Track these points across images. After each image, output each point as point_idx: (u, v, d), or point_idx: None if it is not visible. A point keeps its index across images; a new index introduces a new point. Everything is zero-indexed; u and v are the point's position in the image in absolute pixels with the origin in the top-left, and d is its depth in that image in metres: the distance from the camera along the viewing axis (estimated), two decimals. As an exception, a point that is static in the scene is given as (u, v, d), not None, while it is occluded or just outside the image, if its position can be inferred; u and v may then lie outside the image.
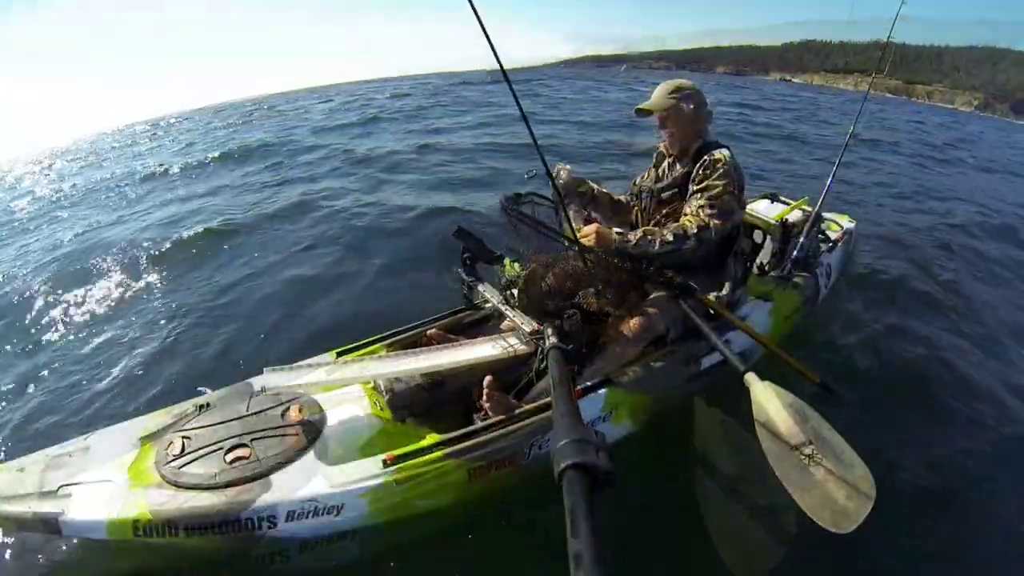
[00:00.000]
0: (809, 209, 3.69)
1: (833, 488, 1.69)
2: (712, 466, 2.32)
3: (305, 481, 1.85)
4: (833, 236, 4.10)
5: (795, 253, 3.47)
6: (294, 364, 2.30)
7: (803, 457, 1.80)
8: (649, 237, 2.32)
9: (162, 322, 3.98)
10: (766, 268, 3.52)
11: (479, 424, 2.09)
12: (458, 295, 2.85)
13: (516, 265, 2.38)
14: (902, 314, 4.30)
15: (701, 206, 2.37)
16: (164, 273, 4.92)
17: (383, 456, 1.91)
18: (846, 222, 4.39)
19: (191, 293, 4.43)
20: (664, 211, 2.56)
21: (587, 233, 2.35)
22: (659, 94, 2.51)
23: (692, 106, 2.49)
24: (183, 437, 2.00)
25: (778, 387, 2.01)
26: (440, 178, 8.21)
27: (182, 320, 3.99)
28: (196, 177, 9.74)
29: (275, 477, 1.85)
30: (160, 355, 3.54)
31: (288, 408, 2.13)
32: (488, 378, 2.13)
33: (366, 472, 1.88)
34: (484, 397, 2.12)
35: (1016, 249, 6.51)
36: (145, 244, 5.76)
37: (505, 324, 2.53)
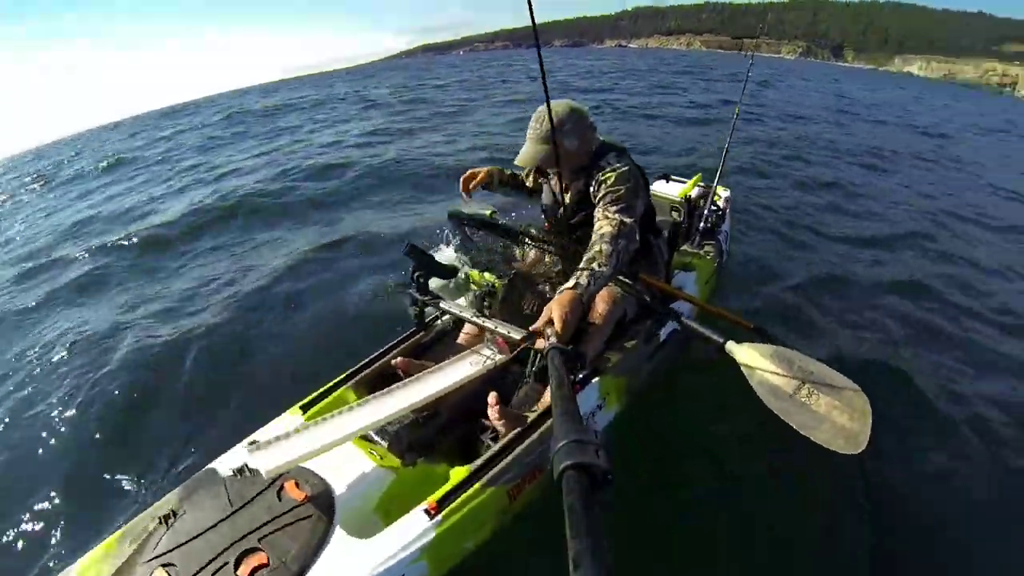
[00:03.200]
0: (704, 185, 4.36)
1: (837, 416, 1.93)
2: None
3: (349, 567, 1.71)
4: (721, 205, 4.72)
5: (701, 225, 4.10)
6: (263, 438, 2.04)
7: (803, 398, 2.02)
8: (595, 267, 2.22)
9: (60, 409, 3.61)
10: (679, 242, 3.96)
11: (502, 442, 2.13)
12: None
13: (487, 274, 2.46)
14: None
15: (606, 211, 2.37)
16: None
17: (423, 506, 1.85)
18: (723, 191, 4.94)
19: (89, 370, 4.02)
20: (575, 225, 2.63)
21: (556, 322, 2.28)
22: (536, 141, 2.46)
23: (576, 142, 2.49)
24: (163, 566, 1.69)
25: (756, 344, 2.25)
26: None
27: (88, 403, 3.63)
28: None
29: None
30: (61, 451, 3.26)
31: (282, 487, 1.91)
32: (492, 394, 2.21)
33: (412, 530, 1.79)
34: (495, 415, 2.21)
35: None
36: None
37: (462, 338, 2.67)
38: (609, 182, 2.41)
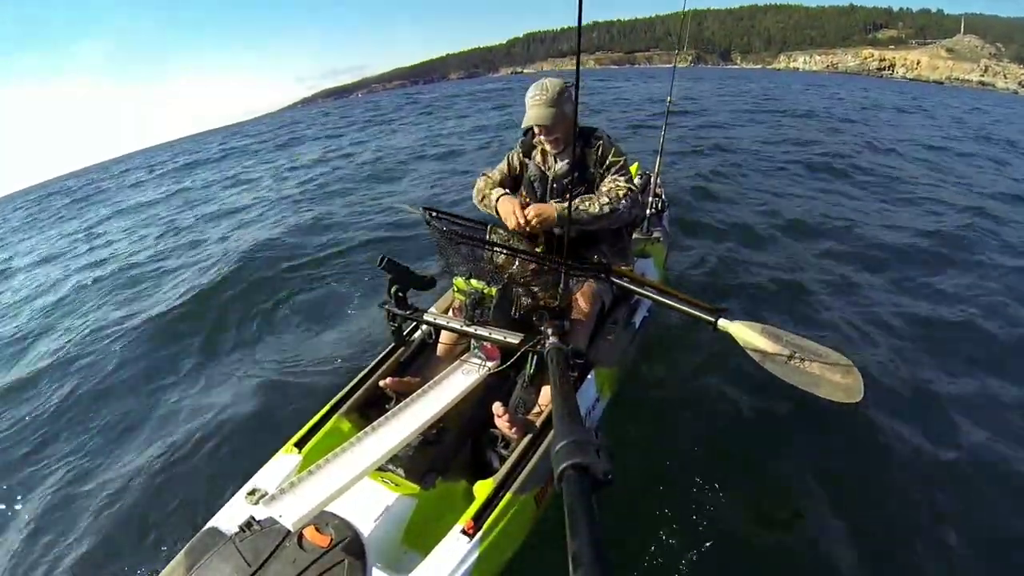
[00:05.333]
0: (643, 173, 4.77)
1: (830, 375, 2.11)
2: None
3: None
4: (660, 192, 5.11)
5: (648, 212, 4.42)
6: (263, 485, 2.02)
7: (796, 364, 2.17)
8: (586, 204, 2.67)
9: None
10: (631, 229, 4.17)
11: (518, 450, 2.14)
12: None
13: (472, 281, 2.46)
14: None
15: (616, 178, 2.78)
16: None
17: (460, 527, 1.83)
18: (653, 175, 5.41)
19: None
20: (570, 185, 2.88)
21: (531, 213, 2.63)
22: (543, 105, 2.71)
23: (572, 111, 2.72)
24: None
25: (746, 322, 2.35)
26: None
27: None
28: None
29: None
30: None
31: (301, 535, 1.80)
32: (498, 405, 2.24)
33: (455, 555, 1.76)
34: (505, 424, 2.24)
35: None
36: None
37: (440, 349, 2.76)
38: (611, 149, 2.84)
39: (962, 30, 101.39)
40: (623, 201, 2.71)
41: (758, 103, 22.59)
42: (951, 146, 13.85)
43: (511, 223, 2.73)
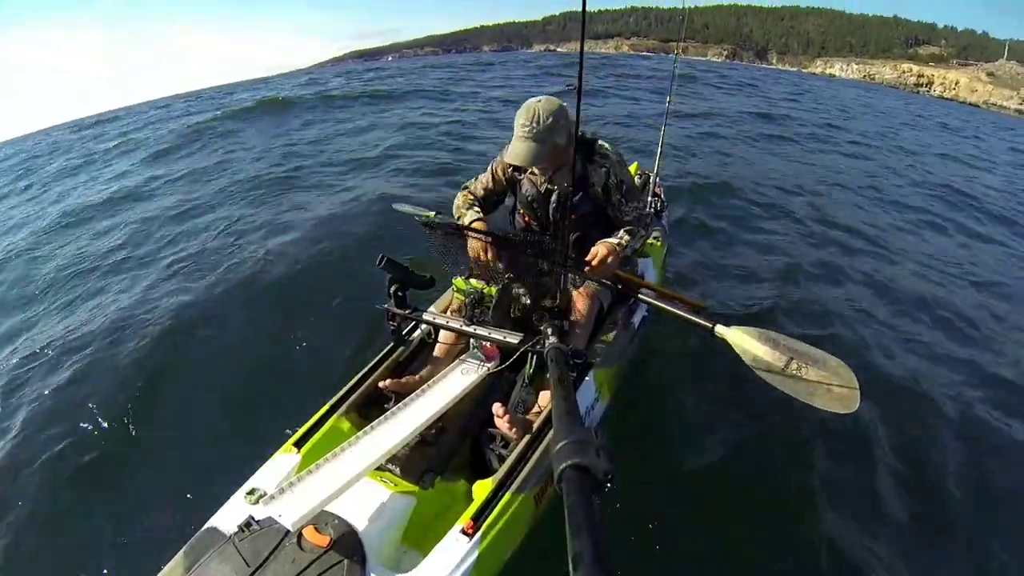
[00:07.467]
0: (642, 173, 4.88)
1: (827, 383, 2.14)
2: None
3: None
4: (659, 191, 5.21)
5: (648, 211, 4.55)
6: (262, 485, 2.02)
7: (793, 371, 2.21)
8: (628, 237, 2.74)
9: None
10: None
11: (518, 450, 2.18)
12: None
13: (472, 281, 2.50)
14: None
15: (630, 202, 2.87)
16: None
17: (459, 527, 1.87)
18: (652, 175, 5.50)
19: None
20: (575, 213, 2.86)
21: (596, 254, 2.64)
22: (530, 139, 2.57)
23: (565, 138, 2.61)
24: None
25: (743, 327, 2.41)
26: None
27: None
28: None
29: None
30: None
31: (300, 535, 1.82)
32: (497, 405, 2.29)
33: (455, 555, 1.80)
34: (505, 424, 2.28)
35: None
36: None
37: (439, 349, 2.76)
38: (619, 166, 2.83)
39: (1006, 55, 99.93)
40: (643, 230, 2.91)
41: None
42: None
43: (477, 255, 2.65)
